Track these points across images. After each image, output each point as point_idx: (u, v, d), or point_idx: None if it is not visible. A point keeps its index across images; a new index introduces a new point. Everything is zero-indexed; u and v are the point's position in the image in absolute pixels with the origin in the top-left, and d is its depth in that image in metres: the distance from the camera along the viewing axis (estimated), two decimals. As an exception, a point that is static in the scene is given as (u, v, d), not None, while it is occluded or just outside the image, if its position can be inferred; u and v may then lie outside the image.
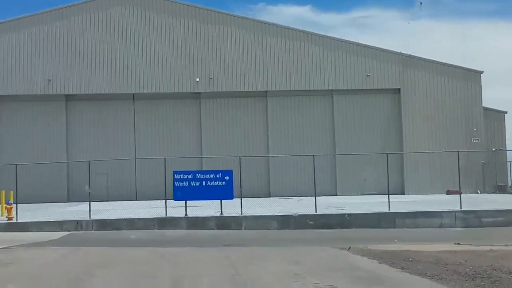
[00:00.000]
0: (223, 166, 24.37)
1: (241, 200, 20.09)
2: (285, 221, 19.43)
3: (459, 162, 20.70)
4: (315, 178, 31.20)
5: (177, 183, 19.61)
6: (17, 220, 19.80)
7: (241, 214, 19.67)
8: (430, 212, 19.81)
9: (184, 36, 31.49)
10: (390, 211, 19.82)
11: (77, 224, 19.43)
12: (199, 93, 31.81)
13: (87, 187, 29.61)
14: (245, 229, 18.99)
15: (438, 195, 29.64)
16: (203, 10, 31.87)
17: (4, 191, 22.54)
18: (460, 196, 20.16)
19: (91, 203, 27.69)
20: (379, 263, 11.11)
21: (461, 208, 19.67)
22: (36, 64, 30.94)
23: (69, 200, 30.59)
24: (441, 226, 19.05)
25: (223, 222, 19.28)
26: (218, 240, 16.16)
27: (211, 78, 31.35)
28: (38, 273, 10.93)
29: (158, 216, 19.86)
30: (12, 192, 22.31)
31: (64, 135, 31.55)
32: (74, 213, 22.06)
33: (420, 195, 29.97)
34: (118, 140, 31.75)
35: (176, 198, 19.66)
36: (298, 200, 29.70)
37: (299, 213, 20.09)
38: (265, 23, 31.96)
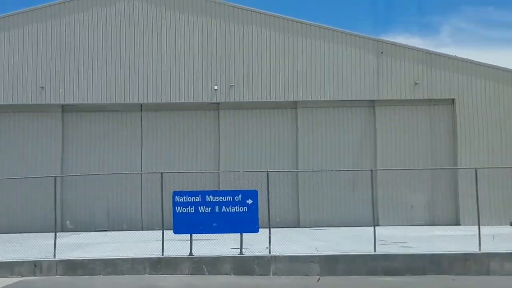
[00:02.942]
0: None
1: (269, 232, 15.02)
2: (332, 264, 14.41)
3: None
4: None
5: (178, 209, 14.74)
6: None
7: (269, 253, 14.73)
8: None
9: (201, 36, 26.64)
10: (482, 251, 15.02)
11: (35, 267, 14.66)
12: (218, 103, 26.77)
13: (68, 222, 25.63)
14: (274, 274, 14.29)
15: (501, 227, 24.70)
16: (223, 5, 26.97)
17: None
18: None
19: (84, 233, 24.06)
20: None
21: None
22: (28, 70, 26.28)
23: (62, 229, 25.65)
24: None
25: (243, 265, 14.50)
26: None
27: (232, 85, 26.43)
28: None
29: (151, 256, 14.86)
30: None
31: (60, 150, 26.76)
32: (46, 248, 16.41)
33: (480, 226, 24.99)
34: (123, 156, 26.86)
35: (177, 230, 14.75)
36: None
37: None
38: (296, 22, 26.56)
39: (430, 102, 27.20)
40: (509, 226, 25.44)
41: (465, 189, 26.02)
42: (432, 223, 26.49)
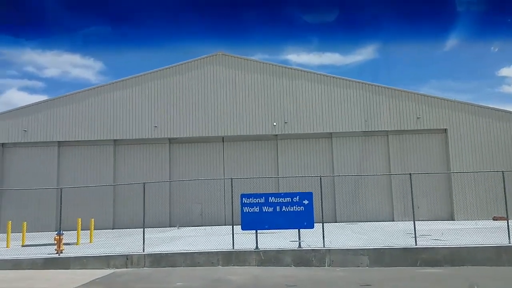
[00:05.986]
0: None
1: (322, 228, 14.29)
2: (379, 256, 13.24)
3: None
4: (374, 203, 28.68)
5: (245, 209, 14.09)
6: (59, 254, 14.37)
7: (324, 246, 13.87)
8: None
9: (264, 88, 31.41)
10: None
11: (127, 260, 13.83)
12: (276, 134, 30.86)
13: (177, 226, 28.11)
14: (329, 266, 13.34)
15: (486, 221, 26.94)
16: (277, 66, 31.28)
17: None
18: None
19: (183, 228, 27.22)
20: None
21: None
22: (145, 114, 30.68)
23: (170, 225, 29.69)
24: None
25: (302, 258, 13.59)
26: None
27: (286, 122, 30.34)
28: None
29: (223, 250, 14.08)
30: (90, 219, 20.26)
31: (168, 167, 31.50)
32: (138, 243, 15.78)
33: (469, 221, 27.43)
34: (210, 171, 31.30)
35: (244, 227, 14.11)
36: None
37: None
38: (329, 76, 31.30)
39: (429, 131, 30.84)
40: (492, 220, 27.16)
41: (457, 193, 28.52)
42: (433, 219, 29.56)
